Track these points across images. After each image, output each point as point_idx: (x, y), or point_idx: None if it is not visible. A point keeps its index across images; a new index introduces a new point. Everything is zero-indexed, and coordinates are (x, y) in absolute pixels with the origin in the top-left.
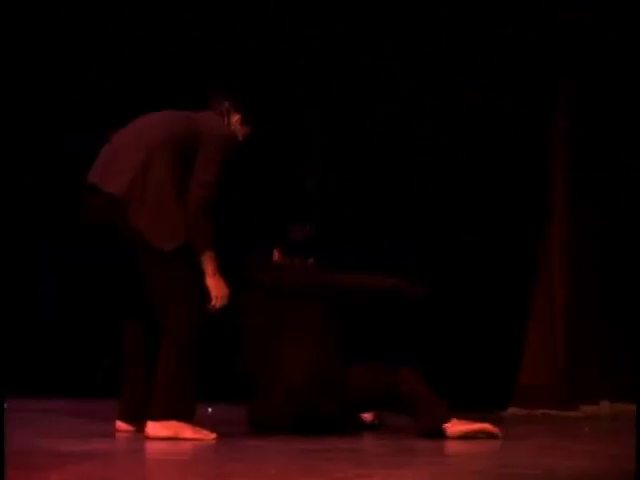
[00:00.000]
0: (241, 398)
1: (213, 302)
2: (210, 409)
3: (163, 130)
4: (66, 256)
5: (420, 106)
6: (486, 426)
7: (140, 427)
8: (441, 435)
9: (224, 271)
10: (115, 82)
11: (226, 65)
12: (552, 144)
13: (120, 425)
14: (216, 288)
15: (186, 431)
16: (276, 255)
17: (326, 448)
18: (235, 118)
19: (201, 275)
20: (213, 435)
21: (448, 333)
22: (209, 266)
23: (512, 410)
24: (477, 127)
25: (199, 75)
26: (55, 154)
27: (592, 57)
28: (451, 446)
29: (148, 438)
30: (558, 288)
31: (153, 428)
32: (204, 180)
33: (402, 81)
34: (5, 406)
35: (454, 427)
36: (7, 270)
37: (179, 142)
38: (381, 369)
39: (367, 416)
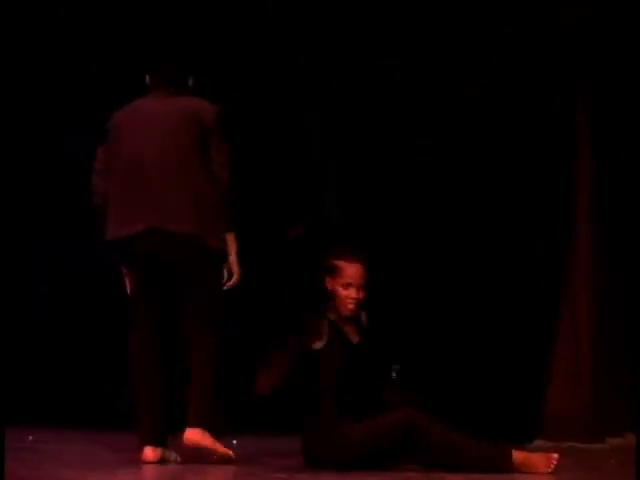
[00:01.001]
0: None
1: (234, 279)
2: (235, 441)
3: (188, 139)
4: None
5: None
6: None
7: (165, 451)
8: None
9: None
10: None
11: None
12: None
13: (148, 452)
14: (237, 265)
15: (219, 446)
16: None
17: (355, 478)
18: None
19: None
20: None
21: (473, 367)
22: (235, 244)
23: (538, 443)
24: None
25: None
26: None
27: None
28: (479, 478)
29: (188, 443)
30: (583, 317)
31: (194, 434)
32: (225, 161)
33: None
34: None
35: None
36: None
37: (201, 144)
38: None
39: None
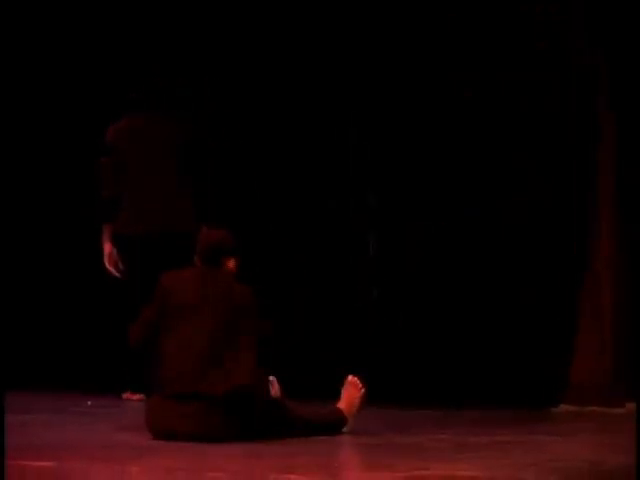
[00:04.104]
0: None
1: None
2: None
3: (178, 163)
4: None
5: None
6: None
7: None
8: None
9: None
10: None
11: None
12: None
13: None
14: None
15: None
16: None
17: (388, 442)
18: None
19: None
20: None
21: (505, 333)
22: None
23: (563, 407)
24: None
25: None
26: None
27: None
28: (505, 441)
29: None
30: (605, 290)
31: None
32: (204, 167)
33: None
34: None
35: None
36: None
37: (186, 158)
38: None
39: None
